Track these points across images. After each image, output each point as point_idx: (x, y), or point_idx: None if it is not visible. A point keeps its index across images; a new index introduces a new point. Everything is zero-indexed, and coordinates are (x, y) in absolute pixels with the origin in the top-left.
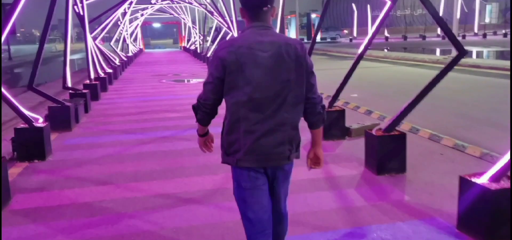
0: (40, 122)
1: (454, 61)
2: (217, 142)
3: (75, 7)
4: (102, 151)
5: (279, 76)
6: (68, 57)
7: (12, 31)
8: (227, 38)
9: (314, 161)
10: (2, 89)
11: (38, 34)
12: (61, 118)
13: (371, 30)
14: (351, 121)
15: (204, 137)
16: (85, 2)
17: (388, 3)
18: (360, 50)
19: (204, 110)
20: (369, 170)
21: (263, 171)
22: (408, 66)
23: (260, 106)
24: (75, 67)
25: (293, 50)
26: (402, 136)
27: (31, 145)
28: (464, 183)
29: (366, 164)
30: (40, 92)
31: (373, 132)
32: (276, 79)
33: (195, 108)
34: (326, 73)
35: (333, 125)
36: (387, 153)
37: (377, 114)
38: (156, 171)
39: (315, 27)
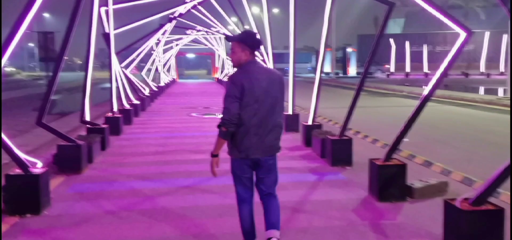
0: (38, 167)
1: None
2: None
3: (102, 33)
4: (108, 204)
5: (271, 94)
6: (88, 88)
7: (54, 59)
8: None
9: None
10: None
11: (80, 62)
12: (70, 159)
13: (441, 67)
14: (409, 176)
15: (217, 158)
16: (112, 30)
17: (463, 35)
18: (426, 91)
19: (234, 122)
20: None
21: (251, 164)
22: (456, 105)
23: (263, 116)
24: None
25: (277, 77)
26: (499, 213)
27: (24, 196)
28: None
29: None
30: (49, 127)
31: (457, 204)
32: (270, 96)
33: (222, 124)
34: (365, 112)
35: (390, 183)
36: (479, 235)
37: (438, 166)
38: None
39: (350, 61)
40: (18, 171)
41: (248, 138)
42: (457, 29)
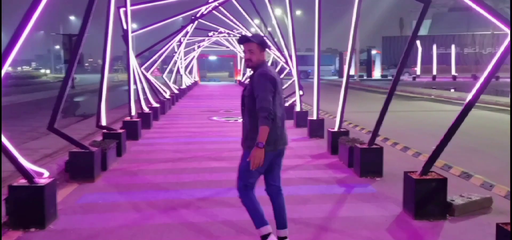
0: (45, 177)
1: None
2: None
3: (122, 35)
4: (119, 218)
5: (281, 90)
6: (104, 92)
7: (79, 61)
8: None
9: None
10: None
11: None
12: (83, 166)
13: (487, 70)
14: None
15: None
16: (130, 32)
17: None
18: (469, 97)
19: (272, 114)
20: None
21: (273, 156)
22: (490, 110)
23: (282, 109)
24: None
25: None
26: None
27: (28, 209)
28: None
29: None
30: (60, 133)
31: None
32: (282, 92)
33: (269, 114)
34: (393, 117)
35: (429, 199)
36: None
37: (478, 178)
38: None
39: (375, 63)
40: (22, 182)
41: (275, 130)
42: (505, 28)
